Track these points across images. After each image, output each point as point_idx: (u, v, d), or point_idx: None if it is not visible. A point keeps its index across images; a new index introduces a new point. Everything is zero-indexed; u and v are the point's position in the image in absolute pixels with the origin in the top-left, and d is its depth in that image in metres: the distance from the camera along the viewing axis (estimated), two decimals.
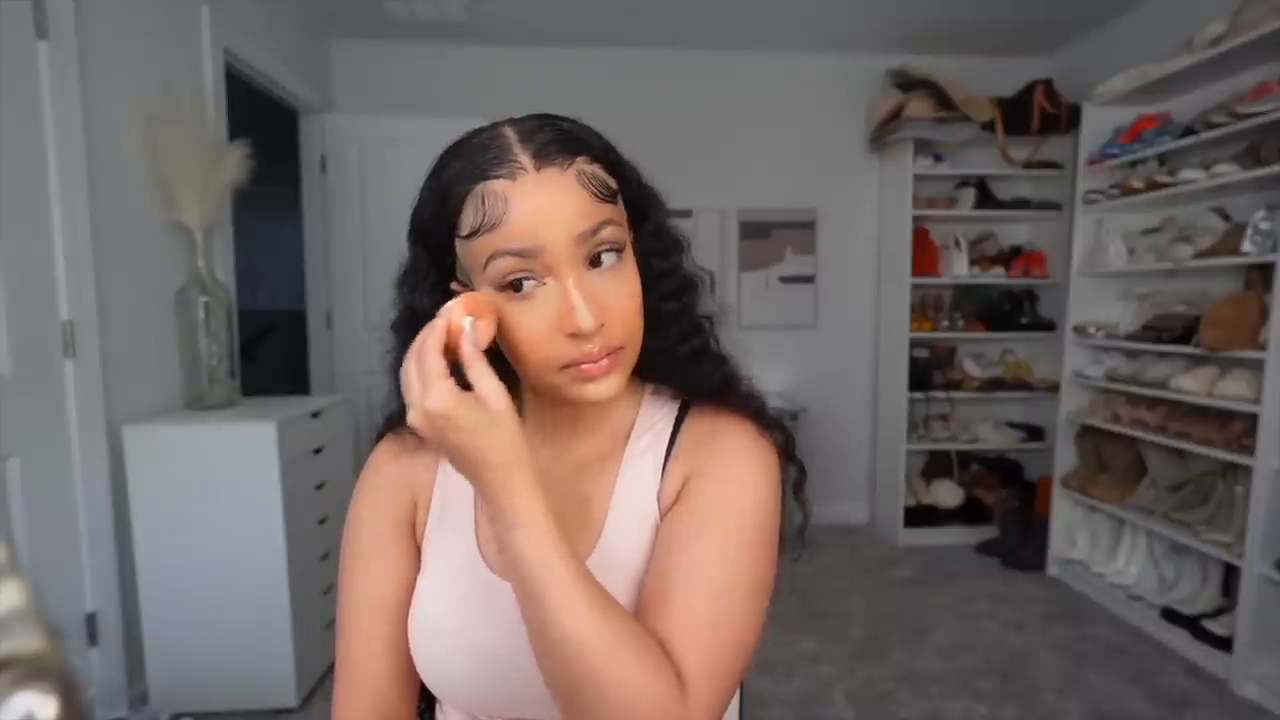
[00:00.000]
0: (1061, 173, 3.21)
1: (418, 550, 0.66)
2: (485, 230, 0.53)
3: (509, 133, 0.55)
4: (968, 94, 3.08)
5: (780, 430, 0.66)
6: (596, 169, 0.56)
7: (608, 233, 0.55)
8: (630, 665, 0.49)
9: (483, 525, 0.64)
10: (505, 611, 0.59)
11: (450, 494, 0.65)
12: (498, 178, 0.53)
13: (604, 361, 0.55)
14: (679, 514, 0.59)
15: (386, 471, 0.67)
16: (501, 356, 0.58)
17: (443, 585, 0.62)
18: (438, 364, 0.50)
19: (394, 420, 0.68)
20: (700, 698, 0.51)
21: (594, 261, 0.55)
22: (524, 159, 0.54)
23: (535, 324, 0.54)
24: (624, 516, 0.62)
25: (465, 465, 0.51)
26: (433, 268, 0.60)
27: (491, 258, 0.54)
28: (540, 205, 0.53)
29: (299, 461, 1.95)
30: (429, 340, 0.50)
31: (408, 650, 0.63)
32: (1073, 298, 2.85)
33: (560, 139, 0.55)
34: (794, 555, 0.65)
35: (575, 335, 0.54)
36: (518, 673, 0.58)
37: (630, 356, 0.58)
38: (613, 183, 0.57)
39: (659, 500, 0.62)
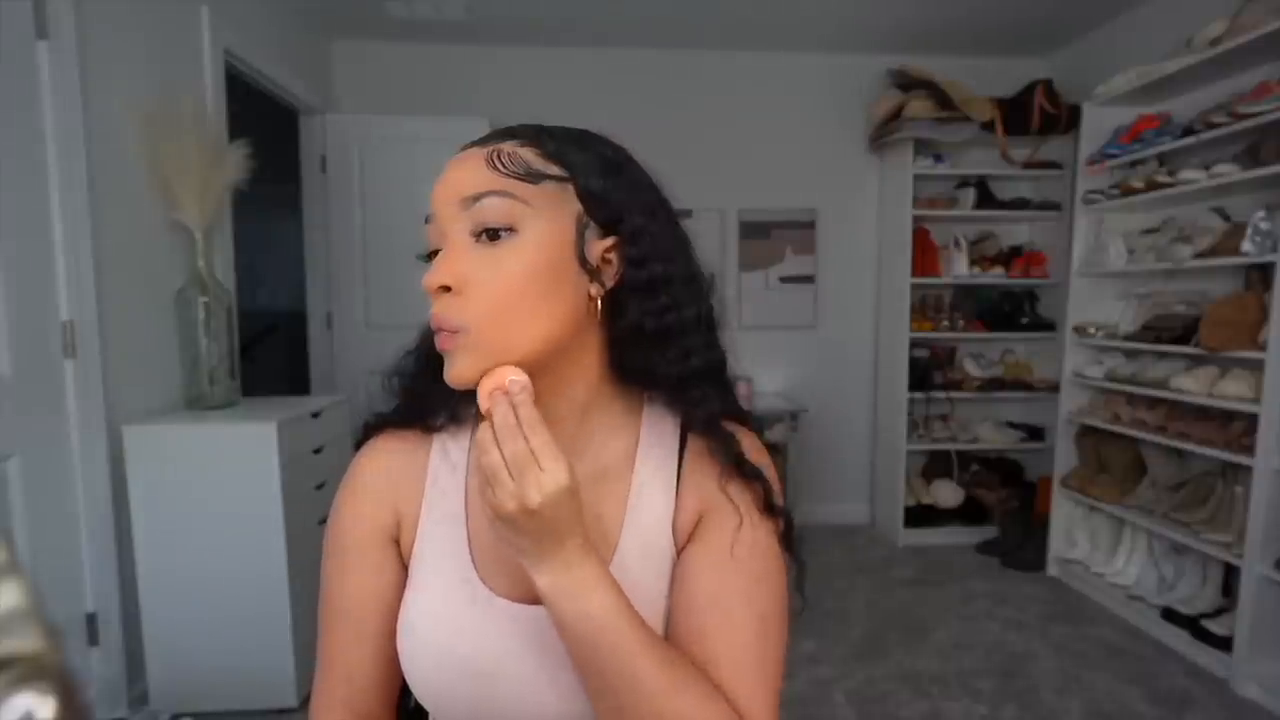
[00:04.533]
0: (1061, 173, 3.21)
1: (401, 562, 0.64)
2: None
3: (508, 127, 0.60)
4: (968, 94, 3.08)
5: (782, 516, 0.64)
6: (526, 151, 0.56)
7: (494, 204, 0.54)
8: (696, 711, 0.52)
9: (478, 542, 0.62)
10: (499, 629, 0.59)
11: (441, 510, 0.64)
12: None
13: (443, 334, 0.55)
14: (702, 554, 0.60)
15: (371, 481, 0.65)
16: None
17: (435, 601, 0.61)
18: (549, 433, 0.51)
19: (373, 426, 0.67)
20: None
21: (493, 238, 0.55)
22: (476, 141, 0.59)
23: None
24: (639, 543, 0.61)
25: (555, 536, 0.51)
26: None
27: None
28: (444, 177, 0.57)
29: (299, 461, 1.95)
30: (525, 411, 0.51)
31: (387, 651, 0.62)
32: (1073, 298, 2.85)
33: (514, 129, 0.59)
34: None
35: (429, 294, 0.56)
36: (509, 689, 0.58)
37: (484, 345, 0.54)
38: (544, 168, 0.56)
39: (675, 528, 0.62)
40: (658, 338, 0.59)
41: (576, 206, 0.57)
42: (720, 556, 0.59)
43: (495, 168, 0.55)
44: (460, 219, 0.55)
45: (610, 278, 0.58)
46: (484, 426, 0.51)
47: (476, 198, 0.55)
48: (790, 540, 0.63)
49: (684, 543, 0.62)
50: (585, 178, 0.57)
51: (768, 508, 0.62)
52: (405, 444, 0.66)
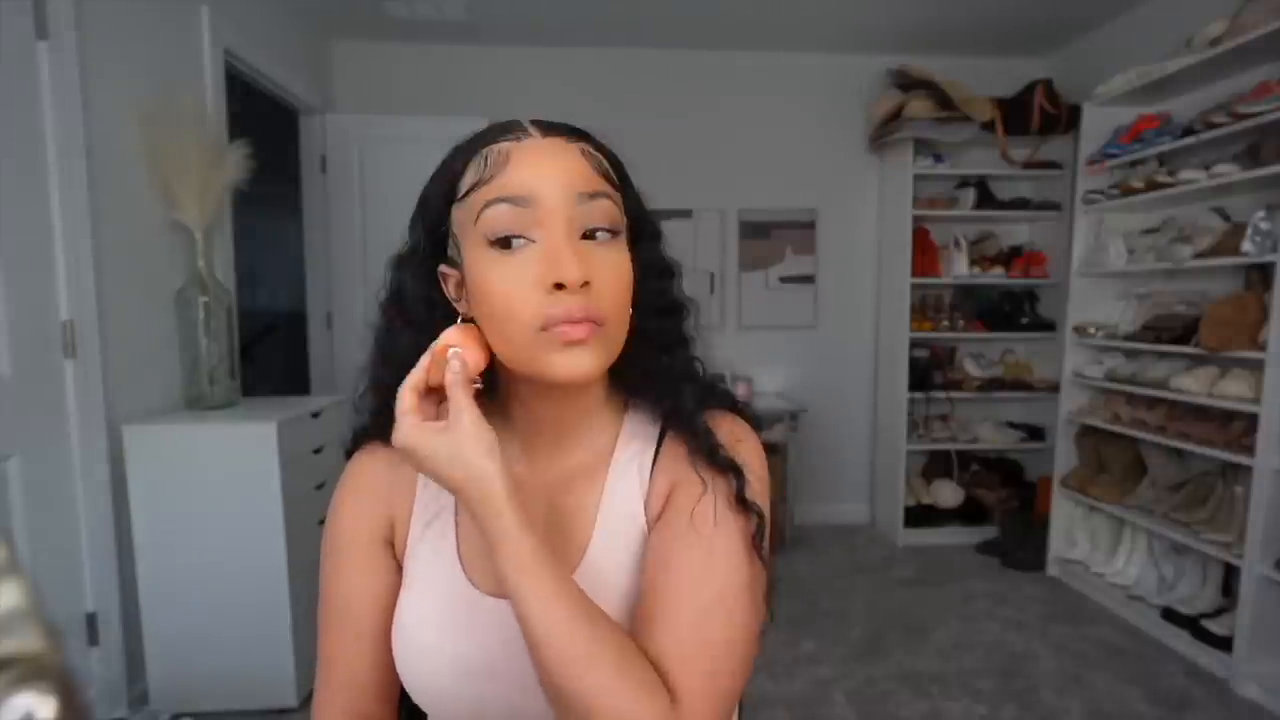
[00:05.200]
0: (1061, 173, 3.21)
1: (397, 565, 0.65)
2: (483, 184, 0.55)
3: (523, 119, 0.59)
4: (968, 94, 3.08)
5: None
6: (601, 158, 0.59)
7: (605, 206, 0.56)
8: (614, 680, 0.49)
9: (465, 541, 0.63)
10: (486, 628, 0.59)
11: (432, 512, 0.65)
12: (503, 140, 0.56)
13: (584, 325, 0.53)
14: (664, 526, 0.59)
15: (364, 486, 0.66)
16: (494, 379, 0.61)
17: (426, 602, 0.62)
18: (408, 400, 0.54)
19: (361, 436, 0.68)
20: (695, 714, 0.51)
21: (588, 237, 0.55)
22: (531, 129, 0.57)
23: (518, 279, 0.53)
24: (611, 532, 0.61)
25: (445, 486, 0.53)
26: (425, 240, 0.60)
27: (486, 206, 0.54)
28: (541, 161, 0.55)
29: (299, 461, 1.95)
30: (407, 380, 0.55)
31: (386, 652, 0.63)
32: (1073, 298, 2.85)
33: (568, 126, 0.58)
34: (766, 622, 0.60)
35: (559, 288, 0.52)
36: (501, 687, 0.58)
37: (612, 340, 0.56)
38: (614, 177, 0.59)
39: (646, 508, 0.62)
40: (647, 347, 0.62)
41: (624, 213, 0.60)
42: (676, 531, 0.57)
43: (595, 168, 0.57)
44: (572, 212, 0.54)
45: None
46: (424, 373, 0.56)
47: (593, 195, 0.55)
48: (759, 540, 0.59)
49: (655, 520, 0.61)
50: (630, 201, 0.61)
51: (739, 500, 0.58)
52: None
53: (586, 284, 0.53)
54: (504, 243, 0.54)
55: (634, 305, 0.59)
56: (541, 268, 0.53)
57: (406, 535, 0.65)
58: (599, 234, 0.55)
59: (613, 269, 0.56)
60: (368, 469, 0.67)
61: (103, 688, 1.81)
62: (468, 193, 0.56)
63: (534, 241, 0.54)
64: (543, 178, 0.54)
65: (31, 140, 1.63)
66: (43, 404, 1.67)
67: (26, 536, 1.60)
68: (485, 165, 0.55)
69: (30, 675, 0.23)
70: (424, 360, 0.55)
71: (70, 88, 1.69)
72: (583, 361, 0.54)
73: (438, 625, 0.60)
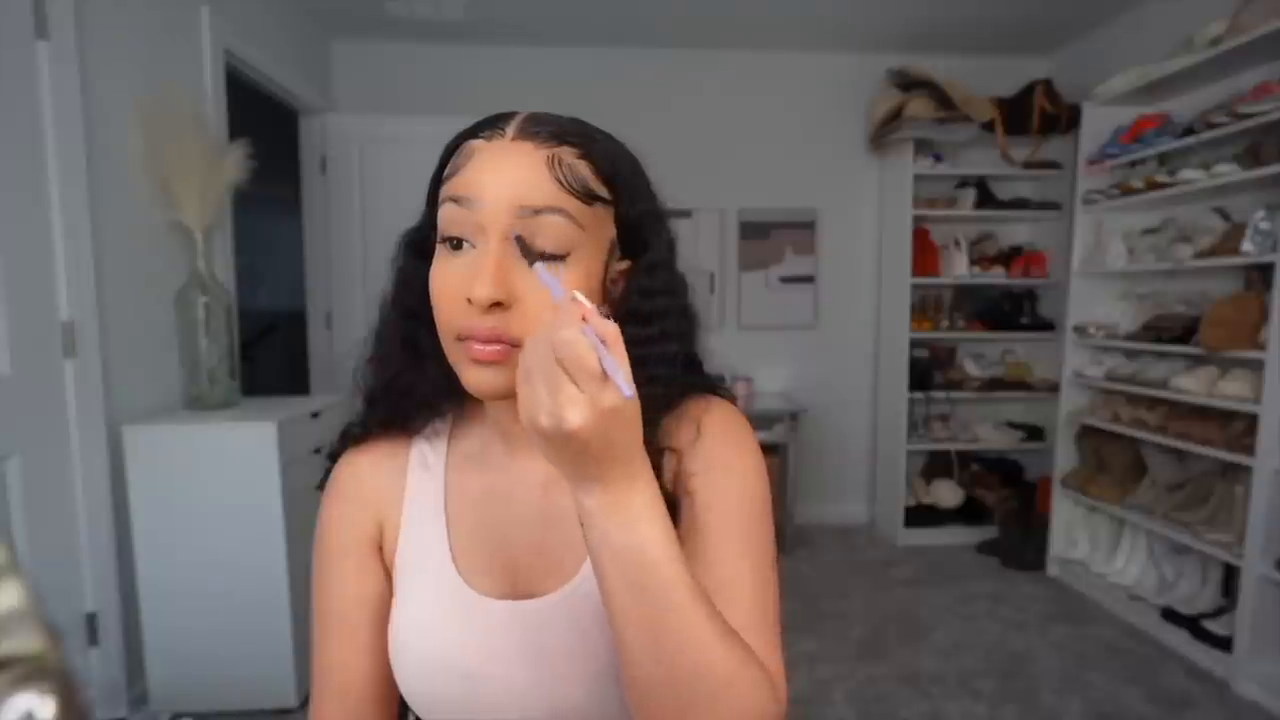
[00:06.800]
0: (1061, 173, 3.21)
1: (385, 568, 0.64)
2: (449, 177, 0.55)
3: (521, 111, 0.57)
4: (968, 94, 3.08)
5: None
6: (581, 165, 0.54)
7: (554, 223, 0.52)
8: (742, 664, 0.48)
9: (459, 542, 0.62)
10: (483, 630, 0.59)
11: (424, 514, 0.64)
12: (479, 138, 0.55)
13: (492, 348, 0.52)
14: (691, 516, 0.58)
15: (350, 492, 0.65)
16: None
17: (420, 605, 0.61)
18: (620, 353, 0.43)
19: (349, 437, 0.67)
20: (782, 688, 0.53)
21: (544, 257, 0.53)
22: (509, 128, 0.54)
23: (449, 281, 0.53)
24: None
25: (602, 460, 0.43)
26: (426, 222, 0.61)
27: (441, 203, 0.55)
28: (496, 166, 0.53)
29: (299, 461, 1.95)
30: (601, 327, 0.42)
31: (382, 657, 0.62)
32: (1073, 298, 2.85)
33: (559, 127, 0.55)
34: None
35: (471, 302, 0.51)
36: (494, 688, 0.58)
37: None
38: (598, 189, 0.55)
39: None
40: (637, 365, 0.60)
41: (612, 231, 0.57)
42: (710, 518, 0.57)
43: (558, 181, 0.52)
44: (511, 224, 0.52)
45: (616, 299, 0.59)
46: (570, 324, 0.41)
47: (538, 211, 0.52)
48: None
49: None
50: (628, 205, 0.57)
51: (747, 495, 0.59)
52: (384, 449, 0.66)
53: (499, 304, 0.51)
54: (455, 242, 0.54)
55: (624, 315, 0.56)
56: (466, 275, 0.52)
57: (396, 539, 0.64)
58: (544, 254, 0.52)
59: (543, 292, 0.51)
60: (352, 474, 0.66)
61: (103, 688, 1.81)
62: (442, 182, 0.56)
63: (475, 247, 0.53)
64: (490, 183, 0.52)
65: (31, 140, 1.63)
66: (43, 404, 1.67)
67: (26, 536, 1.60)
68: (456, 161, 0.55)
69: (30, 675, 0.23)
70: (584, 309, 0.43)
71: (70, 88, 1.69)
72: (491, 380, 0.53)
73: (433, 628, 0.60)
